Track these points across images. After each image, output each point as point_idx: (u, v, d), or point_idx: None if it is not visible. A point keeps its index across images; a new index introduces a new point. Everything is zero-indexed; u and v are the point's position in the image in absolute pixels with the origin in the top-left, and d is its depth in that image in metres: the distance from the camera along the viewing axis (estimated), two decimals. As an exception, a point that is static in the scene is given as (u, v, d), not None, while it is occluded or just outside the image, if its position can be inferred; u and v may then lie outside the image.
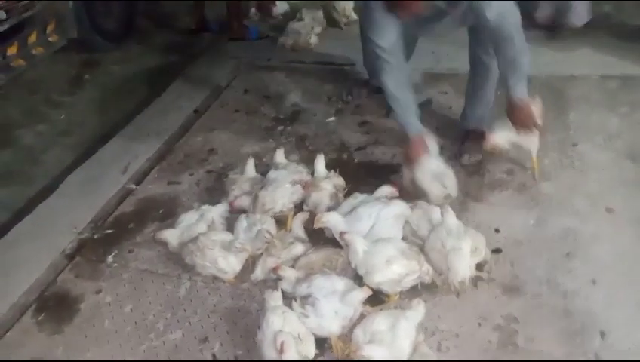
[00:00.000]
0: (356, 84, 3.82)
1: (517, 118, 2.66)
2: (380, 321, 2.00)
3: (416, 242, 2.41)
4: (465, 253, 2.24)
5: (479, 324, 2.21)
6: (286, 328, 1.99)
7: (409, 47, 3.04)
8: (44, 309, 2.45)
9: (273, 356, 1.94)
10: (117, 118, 4.00)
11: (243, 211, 2.68)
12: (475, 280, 2.36)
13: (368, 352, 1.90)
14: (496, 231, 2.63)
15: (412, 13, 2.39)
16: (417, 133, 2.71)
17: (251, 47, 4.61)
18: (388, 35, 2.54)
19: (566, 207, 2.73)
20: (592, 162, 3.01)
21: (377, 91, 3.37)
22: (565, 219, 2.66)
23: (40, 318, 2.41)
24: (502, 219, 2.69)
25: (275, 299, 2.11)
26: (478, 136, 2.98)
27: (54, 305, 2.46)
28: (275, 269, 2.32)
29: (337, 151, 3.27)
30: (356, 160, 3.21)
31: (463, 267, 2.23)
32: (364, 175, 3.05)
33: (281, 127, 3.56)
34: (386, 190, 2.64)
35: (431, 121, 3.38)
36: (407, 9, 2.37)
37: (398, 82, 2.67)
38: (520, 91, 2.61)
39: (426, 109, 3.44)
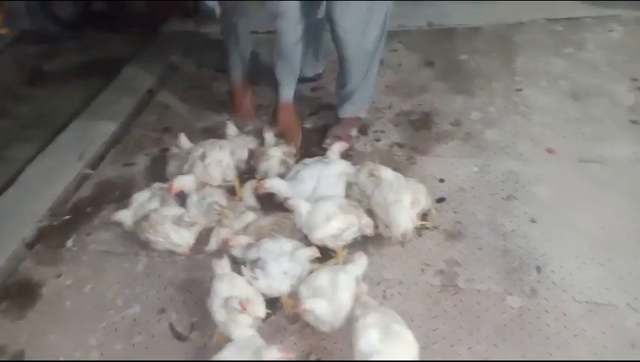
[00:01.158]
0: None
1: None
2: (321, 277, 2.08)
3: (365, 202, 2.47)
4: (405, 205, 2.32)
5: (422, 270, 2.31)
6: (234, 292, 2.08)
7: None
8: (7, 297, 2.52)
9: (222, 318, 2.04)
10: (77, 106, 4.00)
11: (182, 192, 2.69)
12: (419, 230, 2.45)
13: (310, 305, 2.00)
14: (441, 181, 2.71)
15: None
16: (288, 100, 2.91)
17: (203, 23, 4.58)
18: None
19: (509, 152, 2.81)
20: (536, 105, 3.08)
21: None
22: (508, 164, 2.74)
23: (3, 306, 2.48)
24: (447, 169, 2.76)
25: (221, 266, 2.19)
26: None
27: (17, 293, 2.53)
28: (225, 242, 2.38)
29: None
30: (309, 125, 3.25)
31: (404, 219, 2.31)
32: (317, 140, 3.10)
33: (235, 100, 3.57)
34: (338, 147, 2.68)
35: (381, 80, 3.44)
36: None
37: (296, 35, 2.69)
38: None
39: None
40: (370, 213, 2.39)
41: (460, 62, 3.54)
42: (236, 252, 2.34)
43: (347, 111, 2.99)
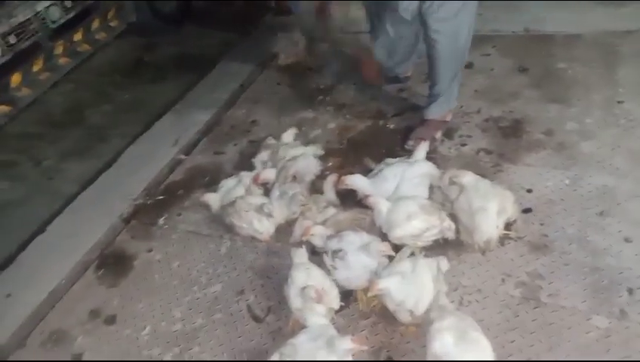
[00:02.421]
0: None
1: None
2: (402, 264, 2.08)
3: (448, 206, 2.44)
4: (491, 213, 2.26)
5: (502, 280, 2.24)
6: (310, 282, 2.13)
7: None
8: (104, 266, 2.75)
9: (298, 306, 2.10)
10: (173, 95, 4.26)
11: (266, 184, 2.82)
12: (503, 239, 2.38)
13: (384, 284, 2.00)
14: (529, 191, 2.61)
15: None
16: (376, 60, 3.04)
17: (296, 21, 4.70)
18: None
19: (605, 166, 2.66)
20: (639, 119, 2.88)
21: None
22: (603, 178, 2.59)
23: (100, 274, 2.72)
24: (535, 179, 2.66)
25: (299, 256, 2.25)
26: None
27: (112, 263, 2.76)
28: (306, 231, 2.43)
29: (373, 118, 3.32)
30: (392, 126, 3.25)
31: (489, 226, 2.25)
32: (400, 140, 3.09)
33: (320, 97, 3.65)
34: (424, 147, 2.68)
35: (470, 84, 3.38)
36: None
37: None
38: None
39: (467, 70, 3.42)
40: (452, 217, 2.35)
41: (557, 71, 3.38)
42: (317, 240, 2.36)
43: (433, 113, 2.97)
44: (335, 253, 2.23)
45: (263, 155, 3.00)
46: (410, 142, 2.96)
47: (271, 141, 3.08)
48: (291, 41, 4.05)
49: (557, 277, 2.21)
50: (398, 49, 3.08)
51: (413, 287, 2.00)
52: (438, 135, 3.02)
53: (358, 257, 2.18)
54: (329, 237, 2.32)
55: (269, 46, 4.34)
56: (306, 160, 2.83)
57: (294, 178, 2.75)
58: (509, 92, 3.28)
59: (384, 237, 2.34)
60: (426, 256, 2.26)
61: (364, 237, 2.25)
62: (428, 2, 2.56)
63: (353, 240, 2.23)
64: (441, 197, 2.48)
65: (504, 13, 3.93)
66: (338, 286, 2.20)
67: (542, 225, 2.44)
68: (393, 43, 3.02)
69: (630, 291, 2.09)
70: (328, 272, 2.22)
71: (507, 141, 2.94)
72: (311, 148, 2.98)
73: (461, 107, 3.21)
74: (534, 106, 3.13)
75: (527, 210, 2.50)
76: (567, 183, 2.61)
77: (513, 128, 3.02)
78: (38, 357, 2.39)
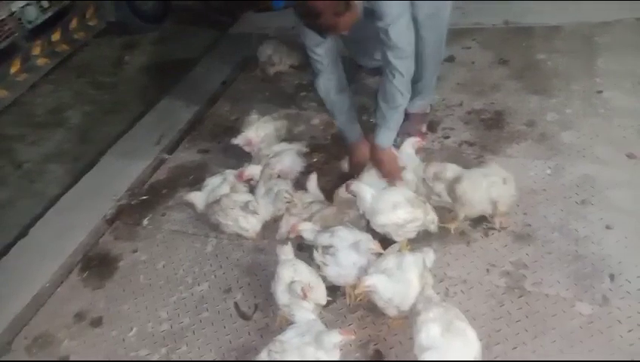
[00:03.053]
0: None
1: (382, 168, 2.60)
2: (388, 259, 2.09)
3: (435, 199, 2.46)
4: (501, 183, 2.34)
5: (487, 271, 2.27)
6: (297, 278, 2.13)
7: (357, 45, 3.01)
8: (88, 268, 2.72)
9: (286, 302, 2.10)
10: (155, 94, 4.22)
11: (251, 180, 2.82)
12: (486, 230, 2.41)
13: (371, 281, 2.00)
14: (511, 181, 2.63)
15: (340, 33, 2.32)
16: (355, 140, 2.78)
17: (276, 17, 4.69)
18: (321, 42, 2.49)
19: (586, 155, 2.70)
20: (618, 108, 2.92)
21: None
22: (584, 167, 2.63)
23: (85, 276, 2.69)
24: (518, 170, 2.67)
25: (285, 252, 2.25)
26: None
27: (97, 264, 2.73)
28: (292, 229, 2.41)
29: (356, 113, 3.31)
30: (374, 121, 3.24)
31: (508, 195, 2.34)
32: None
33: (303, 93, 3.65)
34: (412, 141, 2.69)
35: (452, 77, 3.40)
36: (335, 31, 2.27)
37: (331, 86, 2.68)
38: (382, 140, 2.60)
39: (448, 64, 3.46)
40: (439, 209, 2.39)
41: (537, 62, 3.41)
42: (307, 234, 2.35)
43: (417, 107, 2.97)
44: (326, 248, 2.22)
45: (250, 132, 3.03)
46: (398, 138, 2.96)
47: (254, 116, 3.10)
48: (274, 49, 3.96)
49: (540, 265, 2.24)
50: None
51: (399, 285, 2.01)
52: (424, 128, 3.03)
53: (348, 254, 2.18)
54: (320, 232, 2.31)
55: (250, 43, 4.32)
56: (290, 157, 2.83)
57: (278, 176, 2.75)
58: (490, 84, 3.31)
59: (367, 226, 2.35)
60: (411, 249, 2.29)
61: (355, 233, 2.25)
62: None
63: (345, 237, 2.22)
64: (425, 191, 2.49)
65: (484, 6, 3.96)
66: (327, 281, 2.21)
67: (525, 214, 2.46)
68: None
69: (612, 277, 2.13)
70: (316, 268, 2.23)
71: (489, 133, 2.97)
72: (295, 144, 2.97)
73: (443, 100, 3.23)
74: (515, 98, 3.17)
75: (509, 201, 2.53)
76: (549, 173, 2.64)
77: (495, 120, 3.05)
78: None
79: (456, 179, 2.35)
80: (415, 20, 2.60)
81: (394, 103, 2.52)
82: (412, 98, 2.95)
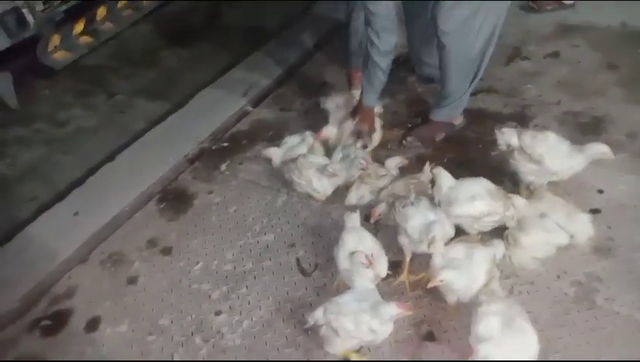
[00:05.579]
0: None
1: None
2: (457, 249, 2.06)
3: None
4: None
5: (558, 276, 2.18)
6: (360, 247, 2.14)
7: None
8: (166, 200, 2.88)
9: (346, 267, 2.12)
10: (247, 49, 4.29)
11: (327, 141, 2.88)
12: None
13: (444, 276, 1.99)
14: (600, 191, 2.51)
15: None
16: (370, 106, 2.80)
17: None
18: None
19: (688, 178, 2.50)
20: None
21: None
22: (683, 190, 2.44)
23: (162, 206, 2.85)
24: (609, 182, 2.54)
25: (352, 220, 2.25)
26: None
27: (174, 198, 2.88)
28: (373, 213, 2.36)
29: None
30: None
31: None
32: (468, 123, 3.02)
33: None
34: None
35: (553, 74, 3.24)
36: None
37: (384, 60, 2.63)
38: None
39: (551, 59, 3.31)
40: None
41: (650, 71, 3.18)
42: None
43: (439, 115, 2.89)
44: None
45: (337, 99, 3.04)
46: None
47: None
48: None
49: (616, 282, 2.13)
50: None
51: (467, 277, 1.98)
52: (440, 137, 2.94)
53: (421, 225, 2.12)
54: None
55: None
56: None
57: (357, 137, 2.76)
58: (593, 87, 3.12)
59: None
60: (482, 239, 2.23)
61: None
62: (436, 1, 2.44)
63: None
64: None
65: (601, 4, 3.71)
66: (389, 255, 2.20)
67: (609, 228, 2.34)
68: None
69: (694, 309, 1.99)
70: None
71: (583, 138, 2.80)
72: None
73: (540, 96, 3.09)
74: (619, 106, 2.97)
75: (594, 211, 2.40)
76: (643, 190, 2.48)
77: (592, 125, 2.88)
78: (96, 273, 2.54)
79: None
80: (436, 26, 2.51)
81: (372, 67, 2.63)
82: (436, 105, 2.86)
